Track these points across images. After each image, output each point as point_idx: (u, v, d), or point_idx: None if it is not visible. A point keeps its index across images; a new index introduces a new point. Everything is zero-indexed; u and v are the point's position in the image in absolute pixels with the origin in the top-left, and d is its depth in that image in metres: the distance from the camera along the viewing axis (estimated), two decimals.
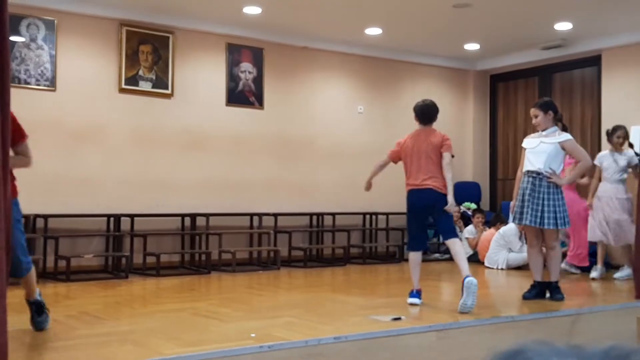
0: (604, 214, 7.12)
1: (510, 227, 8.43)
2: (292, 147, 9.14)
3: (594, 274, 7.25)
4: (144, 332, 4.31)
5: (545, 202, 5.55)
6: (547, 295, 5.73)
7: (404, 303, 5.36)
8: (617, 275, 7.25)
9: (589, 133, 9.50)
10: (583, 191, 7.75)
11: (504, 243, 8.43)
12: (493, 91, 10.93)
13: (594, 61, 9.39)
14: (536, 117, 5.73)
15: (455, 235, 5.42)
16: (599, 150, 8.57)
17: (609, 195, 7.12)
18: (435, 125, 5.55)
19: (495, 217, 9.23)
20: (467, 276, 5.03)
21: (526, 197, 5.60)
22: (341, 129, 9.57)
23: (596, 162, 7.29)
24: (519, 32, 8.97)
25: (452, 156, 5.42)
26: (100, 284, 6.80)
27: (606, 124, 8.71)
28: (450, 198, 5.29)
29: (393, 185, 9.71)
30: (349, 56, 9.64)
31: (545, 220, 5.54)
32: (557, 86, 9.99)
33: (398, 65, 10.04)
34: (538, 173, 5.61)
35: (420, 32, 8.95)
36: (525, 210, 5.59)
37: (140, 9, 7.94)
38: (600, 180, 7.23)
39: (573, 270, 7.69)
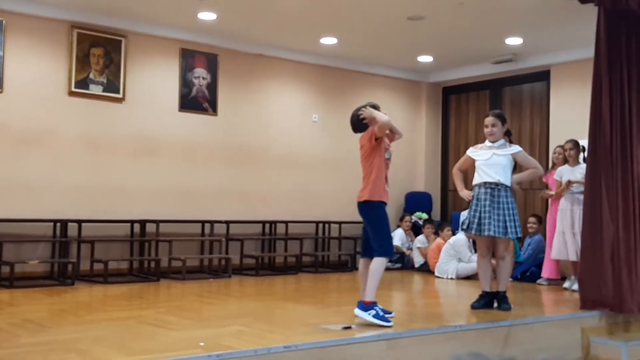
0: (562, 229, 7.27)
1: (460, 238, 8.53)
2: (245, 154, 9.09)
3: (567, 284, 7.36)
4: (89, 341, 4.22)
5: (507, 212, 5.61)
6: (495, 305, 5.80)
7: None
8: (567, 285, 7.38)
9: (537, 146, 9.69)
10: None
11: (454, 253, 8.52)
12: (445, 103, 11.08)
13: (543, 76, 9.60)
14: (493, 126, 5.76)
15: (379, 254, 4.94)
16: (547, 163, 8.77)
17: (566, 208, 7.27)
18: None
19: (440, 225, 9.33)
20: (359, 303, 4.90)
21: (486, 209, 5.62)
22: (295, 137, 9.56)
23: (556, 177, 7.43)
24: (471, 46, 9.11)
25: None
26: (46, 290, 6.66)
27: (554, 138, 8.93)
28: None
29: (346, 194, 9.76)
30: (304, 65, 9.65)
31: (509, 230, 5.59)
32: (507, 99, 10.18)
33: (352, 75, 10.09)
34: (497, 184, 5.66)
35: (374, 43, 9.02)
36: (486, 221, 5.62)
37: (92, 12, 7.81)
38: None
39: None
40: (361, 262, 5.21)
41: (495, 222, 5.59)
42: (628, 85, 5.93)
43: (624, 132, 5.89)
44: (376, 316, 4.79)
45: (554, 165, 7.72)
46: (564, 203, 7.28)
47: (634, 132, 5.90)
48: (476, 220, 5.66)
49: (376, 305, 4.86)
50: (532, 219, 8.64)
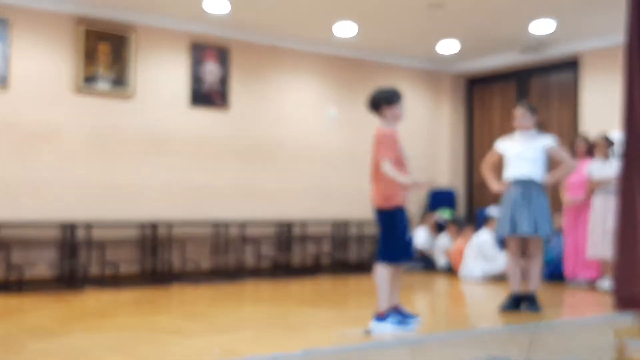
0: (595, 226, 7.04)
1: (484, 236, 8.28)
2: (259, 150, 8.90)
3: (601, 283, 7.10)
4: (100, 348, 4.18)
5: (538, 209, 5.48)
6: (525, 306, 5.58)
7: None
8: (600, 284, 7.10)
9: (567, 138, 9.38)
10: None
11: (479, 253, 8.26)
12: (469, 95, 10.81)
13: (571, 64, 9.33)
14: (523, 117, 5.64)
15: (381, 258, 4.75)
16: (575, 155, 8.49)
17: (599, 205, 7.03)
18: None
19: (462, 224, 9.12)
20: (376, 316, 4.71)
21: (518, 205, 5.48)
22: (311, 132, 9.35)
23: (586, 172, 7.20)
24: (495, 34, 8.88)
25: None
26: (55, 295, 6.61)
27: (585, 129, 8.65)
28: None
29: (365, 191, 9.52)
30: (320, 57, 9.45)
31: (541, 227, 5.46)
32: (534, 90, 9.90)
33: (370, 66, 9.87)
34: (529, 180, 5.50)
35: (393, 32, 8.82)
36: (517, 219, 5.46)
37: (99, 6, 7.68)
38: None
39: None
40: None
41: (528, 220, 5.40)
42: None
43: None
44: (394, 323, 4.67)
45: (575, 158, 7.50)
46: (596, 200, 7.06)
47: None
48: (508, 220, 5.46)
49: (392, 313, 4.70)
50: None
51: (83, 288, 6.97)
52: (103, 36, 7.79)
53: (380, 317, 4.67)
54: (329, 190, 9.44)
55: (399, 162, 4.74)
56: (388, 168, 4.63)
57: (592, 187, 7.17)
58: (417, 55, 10.06)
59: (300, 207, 9.13)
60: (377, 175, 4.75)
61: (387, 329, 4.60)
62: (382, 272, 4.71)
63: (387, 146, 4.68)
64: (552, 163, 5.91)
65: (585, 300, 6.68)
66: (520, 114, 5.64)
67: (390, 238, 4.72)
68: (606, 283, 6.93)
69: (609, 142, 7.17)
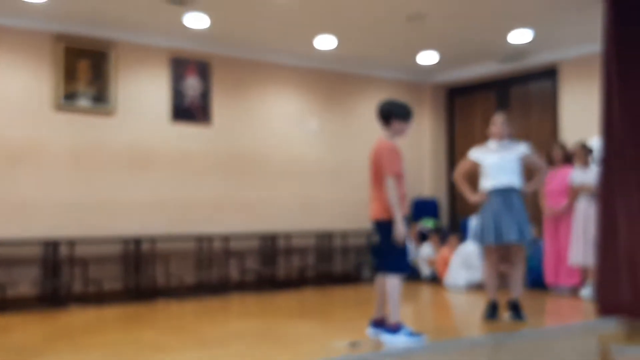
0: (578, 233, 7.07)
1: (469, 246, 8.28)
2: (242, 165, 8.87)
3: (583, 291, 7.07)
4: None
5: (520, 215, 5.48)
6: (509, 314, 5.57)
7: (363, 327, 5.12)
8: (584, 292, 7.11)
9: (547, 146, 9.45)
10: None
11: (463, 262, 8.27)
12: (450, 104, 10.86)
13: (550, 73, 9.40)
14: (503, 124, 5.65)
15: (391, 269, 4.65)
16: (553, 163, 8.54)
17: (580, 212, 7.08)
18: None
19: (440, 234, 9.15)
20: (379, 326, 4.71)
21: (501, 214, 5.47)
22: (293, 144, 9.34)
23: (569, 181, 7.24)
24: (474, 45, 8.91)
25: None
26: (39, 314, 6.53)
27: (565, 137, 8.72)
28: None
29: (348, 202, 9.55)
30: (301, 70, 9.44)
31: (526, 234, 5.47)
32: (514, 98, 9.96)
33: (352, 78, 9.88)
34: (509, 188, 5.51)
35: (373, 45, 8.83)
36: (504, 227, 5.45)
37: (78, 22, 7.61)
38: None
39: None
40: (379, 277, 4.84)
41: (514, 227, 5.42)
42: None
43: (636, 129, 5.65)
44: (407, 334, 4.54)
45: (553, 166, 7.54)
46: (578, 207, 7.10)
47: None
48: (492, 229, 5.46)
49: (404, 325, 4.59)
50: None
51: (67, 306, 6.90)
52: (83, 53, 7.74)
53: (394, 329, 4.55)
54: (312, 203, 9.43)
55: (401, 177, 4.69)
56: (391, 187, 4.56)
57: (574, 194, 7.20)
58: (397, 67, 10.10)
59: (284, 219, 9.10)
60: (379, 188, 4.66)
61: (400, 341, 4.48)
62: (394, 283, 4.57)
63: (393, 161, 4.62)
64: (526, 170, 5.94)
65: (568, 307, 6.68)
66: (502, 121, 5.65)
67: (396, 248, 4.59)
68: (588, 290, 6.95)
69: (587, 150, 7.23)
